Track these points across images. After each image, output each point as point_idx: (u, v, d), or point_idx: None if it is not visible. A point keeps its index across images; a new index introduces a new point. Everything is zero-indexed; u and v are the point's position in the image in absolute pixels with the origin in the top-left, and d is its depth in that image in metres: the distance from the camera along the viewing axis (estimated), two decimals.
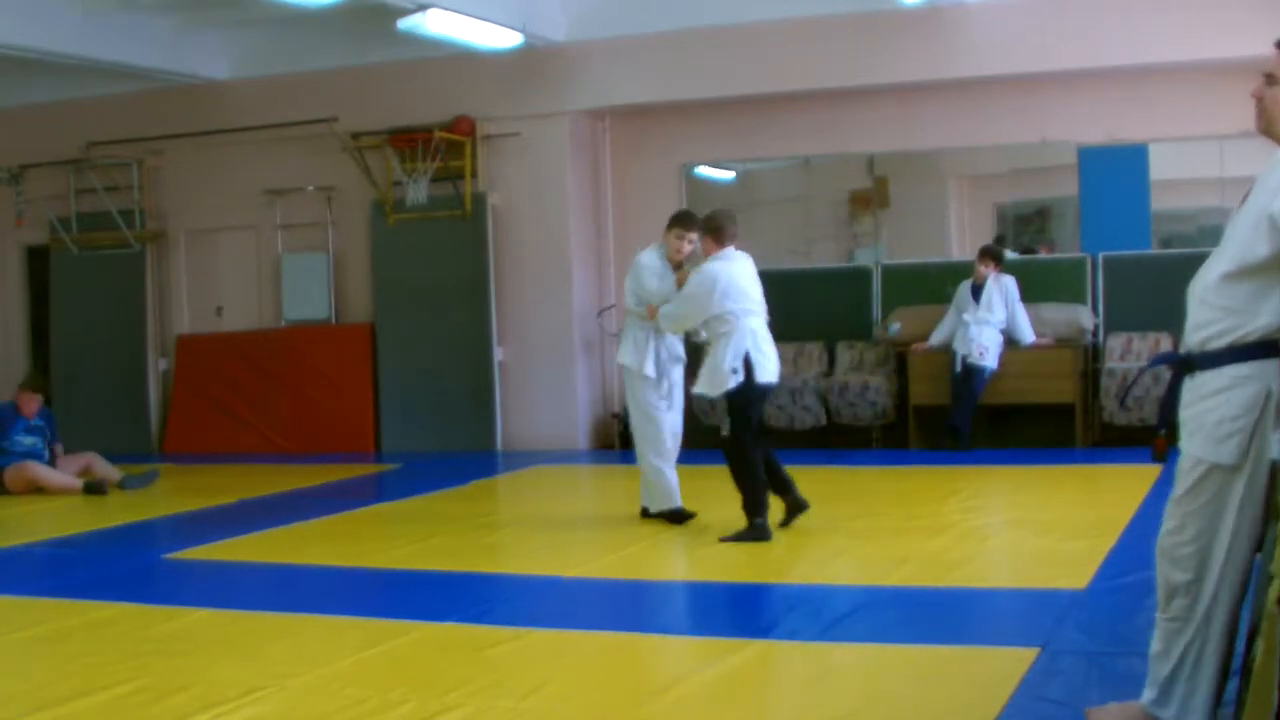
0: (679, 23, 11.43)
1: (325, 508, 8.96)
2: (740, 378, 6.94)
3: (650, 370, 7.51)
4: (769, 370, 7.07)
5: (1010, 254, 11.31)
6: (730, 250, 7.23)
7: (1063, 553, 6.48)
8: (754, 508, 6.99)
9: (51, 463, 10.44)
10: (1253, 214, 3.30)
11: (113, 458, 10.63)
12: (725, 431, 7.07)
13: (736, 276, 7.12)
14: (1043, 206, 12.29)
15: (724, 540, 6.92)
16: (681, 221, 7.58)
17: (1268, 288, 3.26)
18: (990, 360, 10.53)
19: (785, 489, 7.20)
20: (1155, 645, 3.53)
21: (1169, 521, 3.48)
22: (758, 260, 12.33)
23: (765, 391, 7.20)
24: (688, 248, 7.53)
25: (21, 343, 14.10)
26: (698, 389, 7.27)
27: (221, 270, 13.43)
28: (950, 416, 10.61)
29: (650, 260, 7.63)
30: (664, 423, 7.56)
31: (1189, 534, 3.42)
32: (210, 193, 13.09)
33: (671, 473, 7.57)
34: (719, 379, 7.00)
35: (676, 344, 7.65)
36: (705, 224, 7.34)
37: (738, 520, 7.10)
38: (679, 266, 7.53)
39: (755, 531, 6.94)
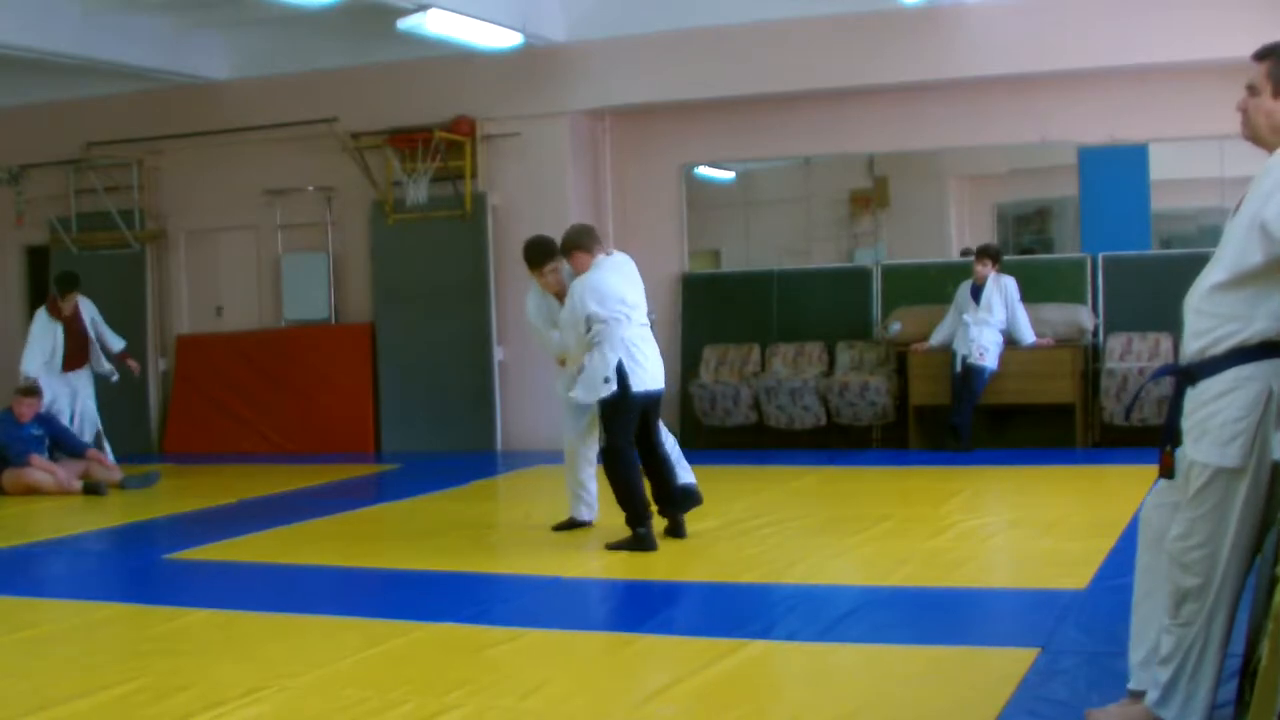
0: (679, 23, 11.44)
1: (325, 508, 8.96)
2: (613, 387, 6.82)
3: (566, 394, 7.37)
4: (646, 379, 6.92)
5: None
6: (600, 259, 7.06)
7: (1063, 553, 6.48)
8: (634, 518, 6.90)
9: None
10: (1245, 221, 3.33)
11: (113, 458, 10.63)
12: (602, 442, 7.08)
13: (604, 283, 6.94)
14: (1043, 206, 12.30)
15: (609, 547, 6.93)
16: (538, 259, 7.35)
17: (1263, 293, 3.29)
18: (990, 361, 10.53)
19: (670, 504, 7.11)
20: (1163, 650, 3.54)
21: (1176, 527, 3.49)
22: (757, 260, 12.36)
23: (646, 399, 6.99)
24: (551, 278, 7.33)
25: (22, 343, 14.07)
26: (572, 393, 7.12)
27: (221, 270, 13.43)
28: (951, 416, 10.62)
29: (532, 305, 7.48)
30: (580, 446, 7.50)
31: (1197, 539, 3.44)
32: (210, 193, 13.09)
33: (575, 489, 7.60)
34: (593, 387, 6.89)
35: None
36: (564, 247, 7.19)
37: (731, 523, 7.09)
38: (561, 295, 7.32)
39: (638, 541, 6.86)
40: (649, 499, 7.02)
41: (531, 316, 7.52)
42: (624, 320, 6.91)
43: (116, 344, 11.34)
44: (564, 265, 7.30)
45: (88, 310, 11.25)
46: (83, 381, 11.16)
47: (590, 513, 7.60)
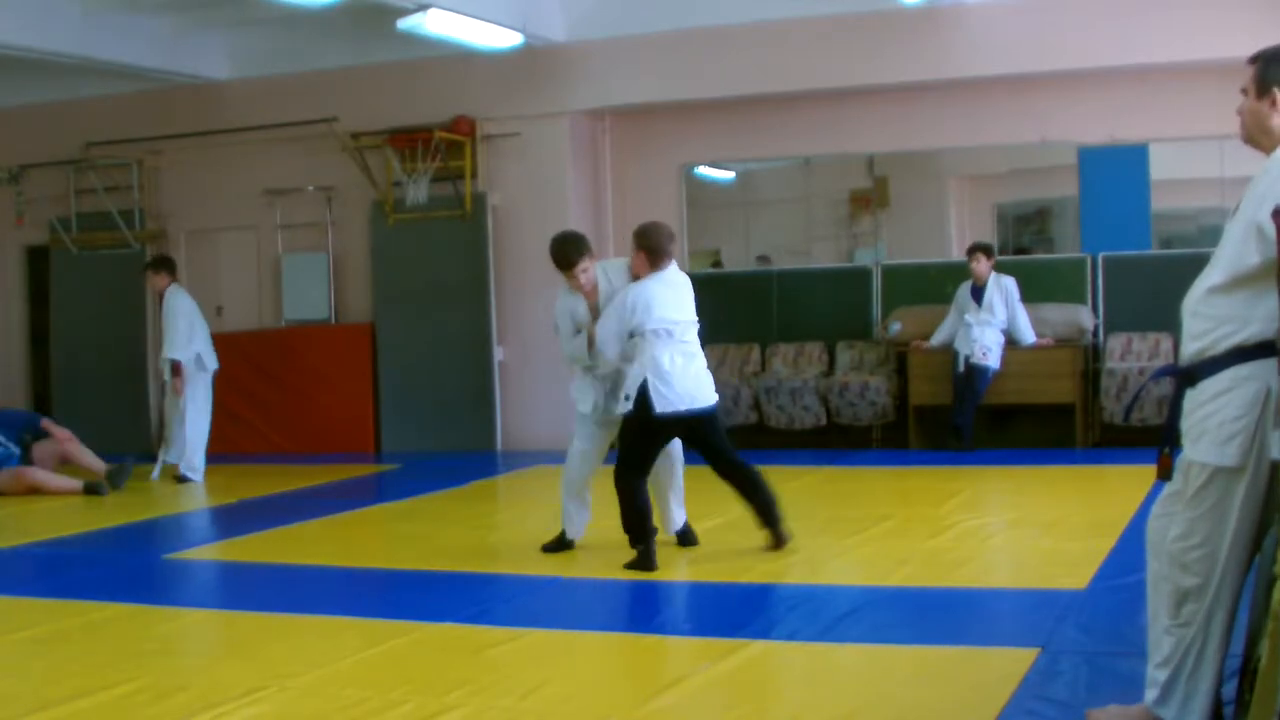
0: (679, 23, 11.44)
1: (325, 508, 8.96)
2: (630, 406, 6.50)
3: (586, 408, 6.98)
4: (674, 399, 6.48)
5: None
6: (659, 274, 6.67)
7: (1063, 553, 6.49)
8: (633, 537, 6.60)
9: (26, 459, 10.32)
10: (1242, 224, 3.37)
11: (113, 458, 10.60)
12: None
13: (655, 298, 6.58)
14: (1043, 206, 12.30)
15: (627, 567, 6.57)
16: (564, 263, 6.85)
17: (1259, 295, 3.32)
18: (993, 360, 10.54)
19: (766, 515, 6.71)
20: (1164, 651, 3.54)
21: (1175, 527, 3.50)
22: (758, 260, 12.29)
23: (678, 421, 6.56)
24: (584, 278, 6.83)
25: (21, 343, 14.10)
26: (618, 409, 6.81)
27: (221, 270, 13.42)
28: (954, 416, 10.62)
29: (561, 307, 7.04)
30: (584, 456, 7.01)
31: (1197, 538, 3.45)
32: (210, 193, 13.09)
33: (573, 505, 7.07)
34: (621, 402, 6.63)
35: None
36: (639, 240, 6.74)
37: (732, 523, 7.09)
38: (591, 295, 6.89)
39: (640, 560, 6.54)
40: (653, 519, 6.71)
41: (556, 318, 7.12)
42: (662, 336, 6.53)
43: (167, 351, 10.68)
44: (594, 265, 6.90)
45: (172, 302, 10.69)
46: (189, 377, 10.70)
47: (576, 531, 7.14)
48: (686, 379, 6.58)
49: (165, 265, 11.05)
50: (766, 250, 12.76)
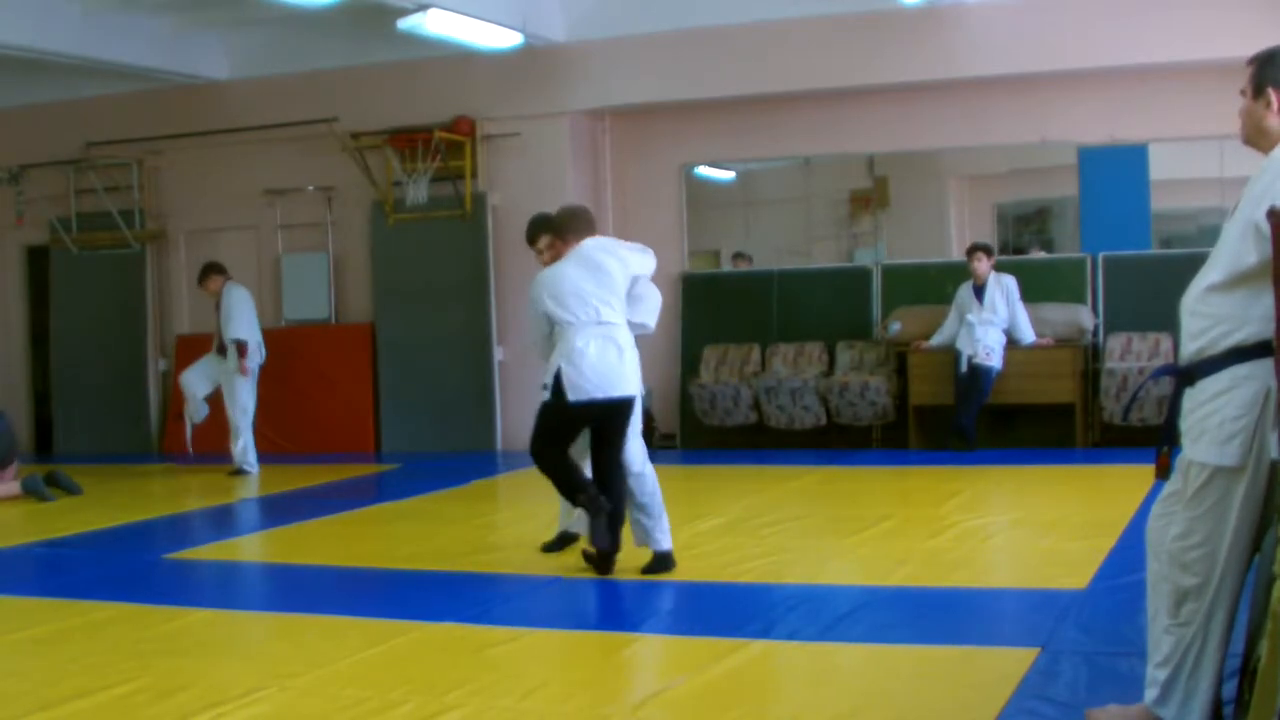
0: (679, 23, 11.44)
1: (325, 508, 8.96)
2: (548, 395, 6.27)
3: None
4: (588, 387, 6.22)
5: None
6: (573, 250, 6.44)
7: (1063, 553, 6.49)
8: (570, 494, 6.40)
9: None
10: (1240, 224, 3.38)
11: (113, 458, 10.59)
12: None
13: (563, 279, 6.34)
14: (1043, 206, 12.31)
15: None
16: (531, 235, 6.77)
17: (1256, 295, 3.32)
18: (996, 361, 10.54)
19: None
20: (1164, 650, 3.54)
21: (1175, 527, 3.51)
22: (758, 260, 12.26)
23: (591, 409, 6.30)
24: (548, 255, 6.67)
25: (21, 343, 14.10)
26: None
27: None
28: (957, 417, 10.62)
29: (535, 285, 6.87)
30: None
31: (1197, 538, 3.45)
32: (210, 193, 13.09)
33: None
34: (540, 390, 6.43)
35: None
36: (549, 227, 6.63)
37: (731, 523, 7.09)
38: None
39: (589, 510, 6.25)
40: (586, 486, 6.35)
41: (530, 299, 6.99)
42: (574, 323, 6.27)
43: (231, 333, 10.79)
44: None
45: (227, 297, 10.89)
46: (225, 369, 10.89)
47: (582, 525, 6.97)
48: (599, 366, 6.26)
49: (215, 269, 11.16)
50: (766, 250, 12.75)
